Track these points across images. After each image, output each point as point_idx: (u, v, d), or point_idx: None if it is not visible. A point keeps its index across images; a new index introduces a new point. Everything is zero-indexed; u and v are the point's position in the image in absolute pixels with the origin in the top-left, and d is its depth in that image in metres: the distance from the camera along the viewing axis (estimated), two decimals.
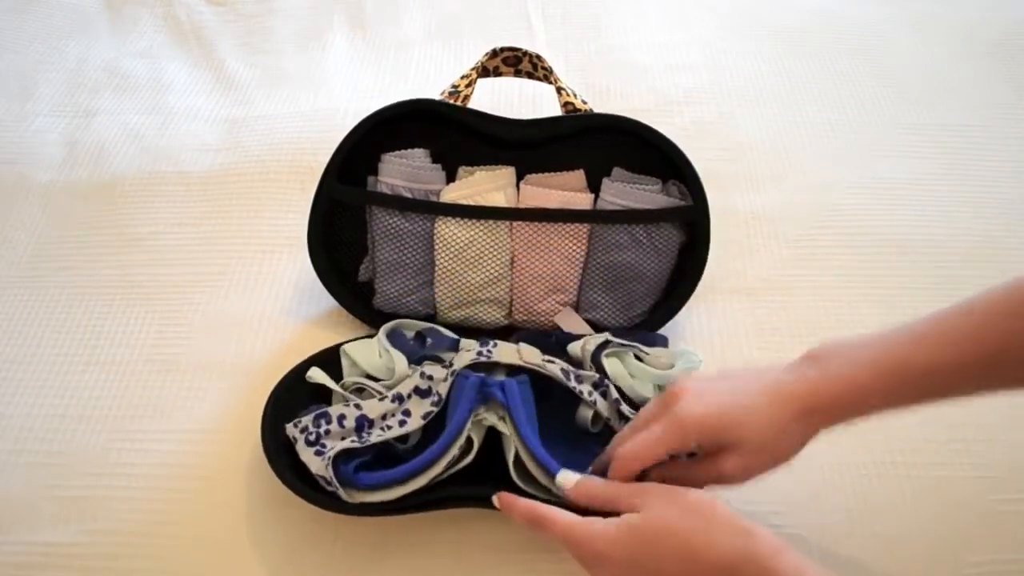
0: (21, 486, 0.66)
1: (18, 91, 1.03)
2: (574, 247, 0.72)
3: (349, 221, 0.74)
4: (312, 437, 0.60)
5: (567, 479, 0.55)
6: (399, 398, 0.63)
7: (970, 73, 1.03)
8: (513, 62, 0.75)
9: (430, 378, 0.63)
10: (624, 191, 0.71)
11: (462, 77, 0.74)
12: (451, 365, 0.63)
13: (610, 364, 0.66)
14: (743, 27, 1.12)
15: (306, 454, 0.59)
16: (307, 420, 0.61)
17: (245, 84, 1.04)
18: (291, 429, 0.62)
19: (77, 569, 0.61)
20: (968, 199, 0.87)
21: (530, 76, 0.76)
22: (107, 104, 1.01)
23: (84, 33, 1.12)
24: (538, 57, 0.74)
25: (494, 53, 0.75)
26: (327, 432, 0.61)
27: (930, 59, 1.05)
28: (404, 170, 0.71)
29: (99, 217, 0.87)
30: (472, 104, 0.73)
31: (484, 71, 0.75)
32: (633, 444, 0.53)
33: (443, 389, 0.62)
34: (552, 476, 0.56)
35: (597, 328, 0.73)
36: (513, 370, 0.64)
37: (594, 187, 0.72)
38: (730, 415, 0.52)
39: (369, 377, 0.67)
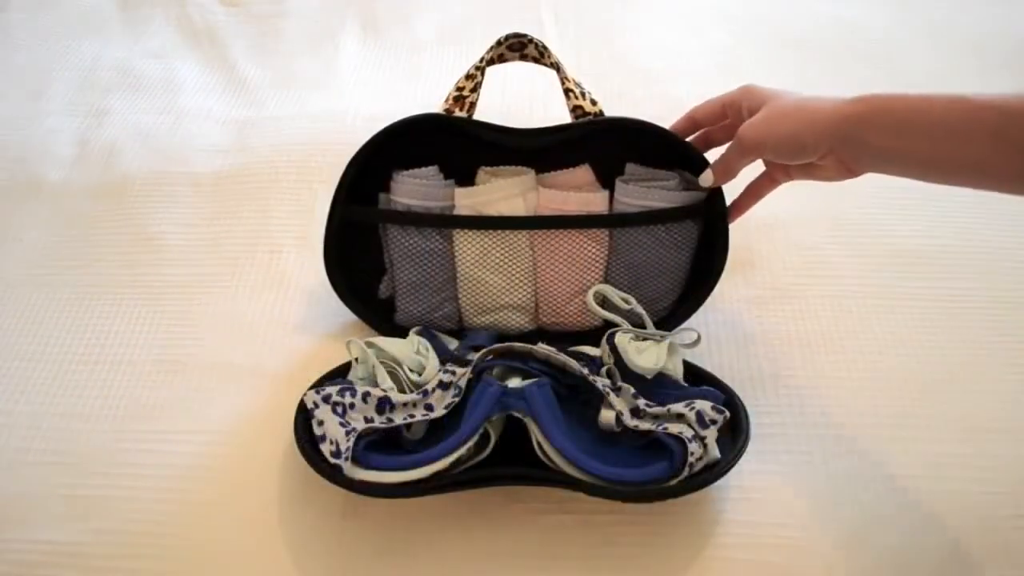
0: (28, 484, 0.66)
1: (31, 90, 1.04)
2: (595, 249, 0.72)
3: (364, 237, 0.73)
4: (340, 410, 0.61)
5: (706, 175, 0.67)
6: (424, 392, 0.64)
7: (984, 83, 1.02)
8: (518, 47, 0.73)
9: (452, 372, 0.65)
10: (639, 192, 0.70)
11: (467, 78, 0.73)
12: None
13: (619, 339, 0.66)
14: (757, 34, 1.11)
15: (329, 420, 0.60)
16: (332, 389, 0.62)
17: (257, 85, 1.04)
18: (312, 395, 0.62)
19: (82, 568, 0.61)
20: (980, 210, 0.86)
21: (536, 61, 0.74)
22: (119, 104, 1.01)
23: (97, 33, 1.13)
24: (544, 47, 0.73)
25: (498, 43, 0.73)
26: (352, 406, 0.61)
27: (944, 68, 1.05)
28: (417, 189, 0.71)
29: (109, 217, 0.88)
30: (481, 108, 0.73)
31: (489, 62, 0.73)
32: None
33: (463, 382, 0.63)
34: (583, 470, 0.58)
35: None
36: (527, 375, 0.65)
37: (606, 182, 0.72)
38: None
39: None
